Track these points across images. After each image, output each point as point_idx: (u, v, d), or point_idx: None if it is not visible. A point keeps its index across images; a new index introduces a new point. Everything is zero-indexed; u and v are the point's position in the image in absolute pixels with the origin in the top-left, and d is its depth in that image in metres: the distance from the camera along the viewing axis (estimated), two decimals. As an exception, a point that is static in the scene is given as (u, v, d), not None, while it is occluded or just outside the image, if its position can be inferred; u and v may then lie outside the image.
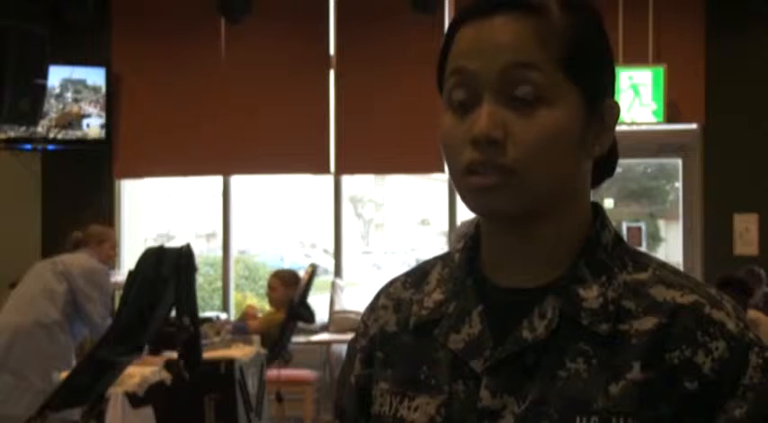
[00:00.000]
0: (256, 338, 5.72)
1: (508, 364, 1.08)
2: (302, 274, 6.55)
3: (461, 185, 1.09)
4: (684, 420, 1.03)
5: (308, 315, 6.42)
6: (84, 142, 7.67)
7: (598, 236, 1.12)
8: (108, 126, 7.66)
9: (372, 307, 1.24)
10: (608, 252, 1.11)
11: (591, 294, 1.07)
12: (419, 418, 1.11)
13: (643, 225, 7.85)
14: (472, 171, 1.06)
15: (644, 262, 1.12)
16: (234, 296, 8.21)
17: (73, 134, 7.62)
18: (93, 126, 7.66)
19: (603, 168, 1.18)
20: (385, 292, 1.24)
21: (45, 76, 6.60)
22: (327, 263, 8.18)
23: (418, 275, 1.22)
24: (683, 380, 1.03)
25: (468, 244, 1.18)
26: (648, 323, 1.05)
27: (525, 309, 1.09)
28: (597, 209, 1.15)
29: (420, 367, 1.14)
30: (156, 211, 9.12)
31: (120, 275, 7.27)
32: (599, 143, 1.11)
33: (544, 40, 1.07)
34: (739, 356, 1.04)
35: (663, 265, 1.12)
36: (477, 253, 1.17)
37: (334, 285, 7.54)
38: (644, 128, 7.32)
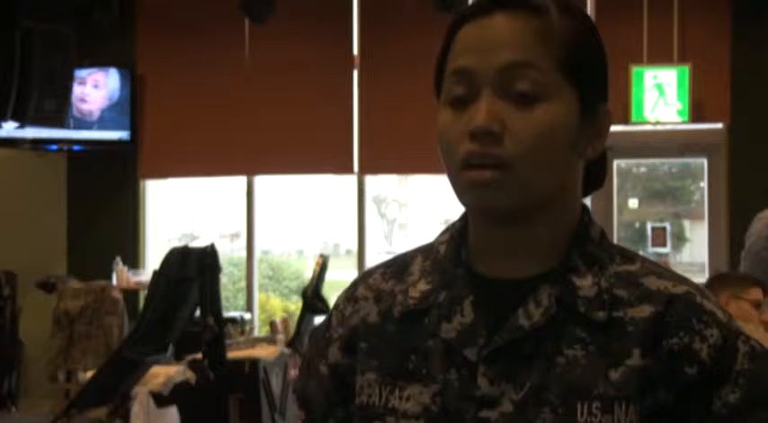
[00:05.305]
0: (280, 338, 5.73)
1: (505, 351, 1.09)
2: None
3: (457, 181, 1.10)
4: (683, 405, 1.06)
5: (324, 307, 6.43)
6: (109, 143, 7.70)
7: (587, 230, 1.14)
8: (133, 127, 7.69)
9: (349, 297, 1.23)
10: (597, 245, 1.14)
11: (585, 283, 1.10)
12: (412, 407, 1.11)
13: (668, 225, 7.81)
14: (469, 165, 1.07)
15: (631, 255, 1.15)
16: (258, 296, 8.23)
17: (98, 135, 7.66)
18: (118, 126, 7.69)
19: (593, 179, 1.19)
20: (363, 282, 1.23)
21: (71, 77, 6.64)
22: (351, 263, 8.18)
23: (398, 267, 1.22)
24: (683, 366, 1.06)
25: (453, 236, 1.19)
26: (645, 311, 1.08)
27: (515, 299, 1.11)
28: (583, 208, 1.17)
29: (408, 357, 1.14)
30: (181, 211, 9.15)
31: (145, 275, 7.31)
32: (591, 146, 1.13)
33: (544, 40, 1.09)
34: (730, 344, 1.07)
35: (647, 260, 1.16)
36: (462, 245, 1.17)
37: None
38: (669, 127, 7.27)
